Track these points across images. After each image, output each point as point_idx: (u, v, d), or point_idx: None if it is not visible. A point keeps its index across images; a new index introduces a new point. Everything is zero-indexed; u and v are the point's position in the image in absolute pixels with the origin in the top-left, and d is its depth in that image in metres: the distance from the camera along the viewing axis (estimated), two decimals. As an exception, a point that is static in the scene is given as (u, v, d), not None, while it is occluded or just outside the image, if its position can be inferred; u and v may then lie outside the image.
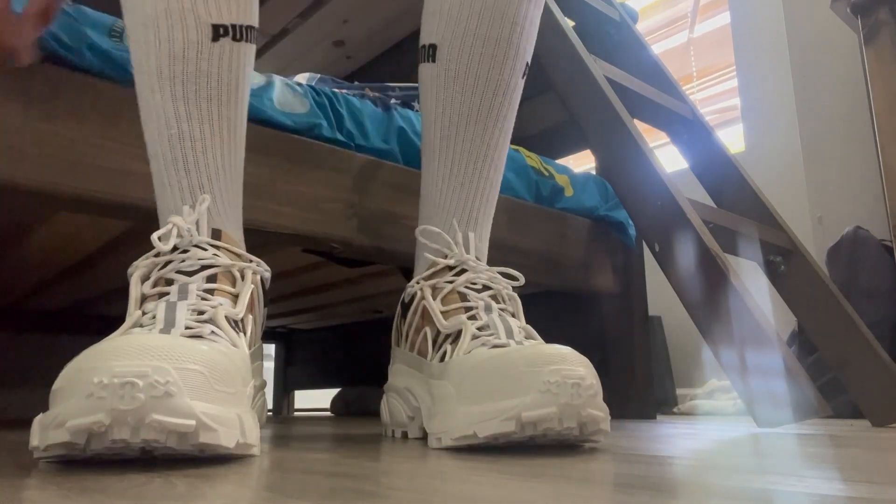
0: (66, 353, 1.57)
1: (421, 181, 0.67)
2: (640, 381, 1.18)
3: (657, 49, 2.38)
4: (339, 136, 0.87)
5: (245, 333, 0.48)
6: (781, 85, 2.04)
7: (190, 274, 0.48)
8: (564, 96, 1.02)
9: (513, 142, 1.30)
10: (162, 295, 0.47)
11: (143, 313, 0.45)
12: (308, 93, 0.87)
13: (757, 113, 2.08)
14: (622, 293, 1.22)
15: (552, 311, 1.32)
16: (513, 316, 0.57)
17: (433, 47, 0.62)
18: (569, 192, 1.16)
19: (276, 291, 1.31)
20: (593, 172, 1.28)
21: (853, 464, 0.38)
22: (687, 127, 1.16)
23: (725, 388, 1.74)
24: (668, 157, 2.16)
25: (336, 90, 0.92)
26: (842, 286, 1.39)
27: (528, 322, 0.85)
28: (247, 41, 0.56)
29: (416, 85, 1.20)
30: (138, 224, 0.82)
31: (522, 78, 0.64)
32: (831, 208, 1.88)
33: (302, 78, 1.16)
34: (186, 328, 0.43)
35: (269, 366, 2.17)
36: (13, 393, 1.50)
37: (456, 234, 0.62)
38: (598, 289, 1.18)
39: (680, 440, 0.59)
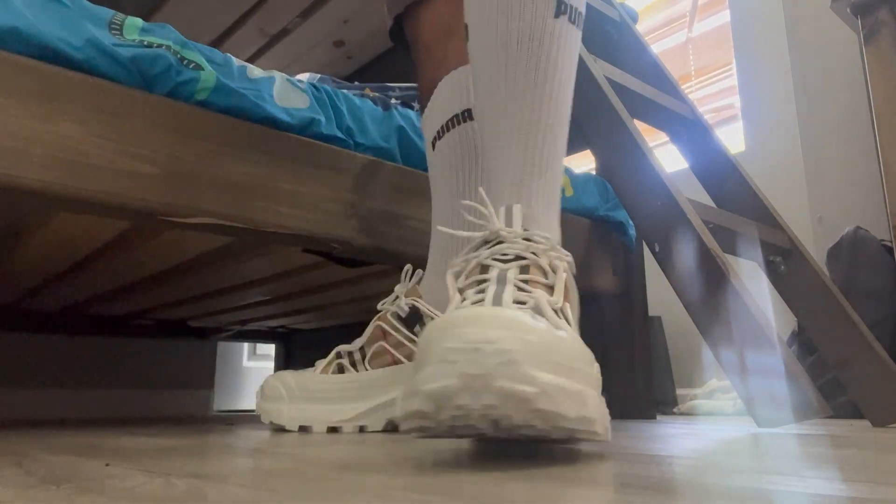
0: (66, 354, 1.57)
1: None
2: (640, 381, 1.18)
3: (656, 48, 2.38)
4: (339, 133, 0.87)
5: (568, 322, 0.46)
6: (781, 84, 2.04)
7: (504, 262, 0.48)
8: (564, 96, 1.02)
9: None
10: (480, 282, 0.47)
11: (464, 299, 0.45)
12: (308, 89, 0.87)
13: (757, 112, 2.08)
14: (622, 293, 1.22)
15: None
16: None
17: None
18: (569, 192, 1.16)
19: (276, 291, 1.31)
20: (593, 172, 1.28)
21: (853, 464, 0.38)
22: (687, 127, 1.16)
23: (725, 388, 1.74)
24: (668, 157, 2.16)
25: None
26: (842, 286, 1.39)
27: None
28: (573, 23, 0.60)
29: (416, 85, 1.20)
30: (138, 224, 0.82)
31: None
32: (831, 208, 1.87)
33: (302, 77, 1.16)
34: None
35: (269, 366, 2.17)
36: (13, 393, 1.50)
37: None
38: (598, 289, 1.18)
39: (680, 440, 0.59)
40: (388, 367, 0.74)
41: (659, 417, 1.31)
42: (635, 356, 1.19)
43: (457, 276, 0.50)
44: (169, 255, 0.99)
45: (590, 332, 1.25)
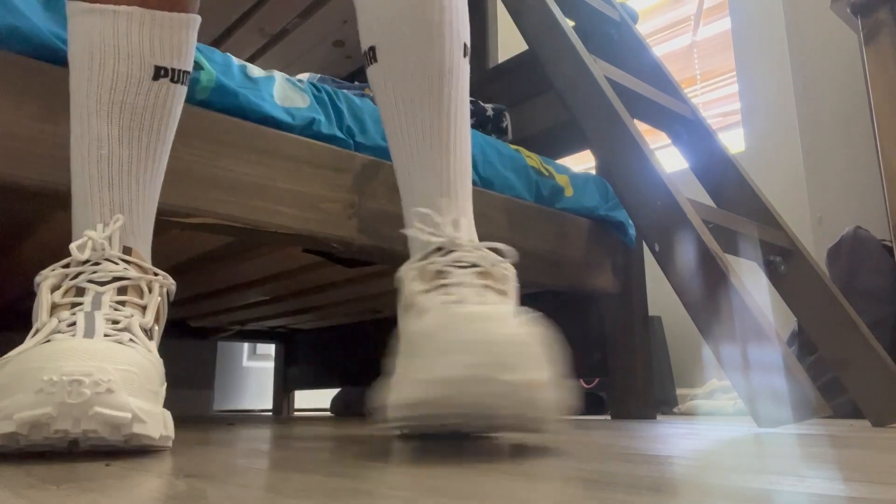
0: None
1: (395, 173, 0.68)
2: (640, 381, 1.18)
3: (660, 51, 2.38)
4: (339, 133, 0.87)
5: (154, 341, 0.53)
6: (782, 85, 2.04)
7: (101, 284, 0.53)
8: (564, 96, 1.02)
9: (513, 142, 1.30)
10: (74, 304, 0.50)
11: (59, 321, 0.48)
12: (308, 88, 0.87)
13: (757, 113, 2.08)
14: (622, 293, 1.22)
15: (552, 311, 1.31)
16: (503, 294, 0.54)
17: (372, 49, 0.65)
18: (569, 192, 1.16)
19: (276, 291, 1.31)
20: (593, 172, 1.28)
21: (853, 464, 0.38)
22: (687, 127, 1.16)
23: (725, 388, 1.74)
24: (668, 158, 2.16)
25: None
26: (842, 286, 1.39)
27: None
28: (182, 83, 0.64)
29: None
30: (138, 224, 0.82)
31: (465, 57, 0.67)
32: (831, 208, 1.87)
33: (302, 77, 1.16)
34: (105, 336, 0.47)
35: (268, 366, 2.17)
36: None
37: (444, 216, 0.61)
38: (598, 289, 1.18)
39: (680, 440, 0.59)
40: None
41: (659, 417, 1.31)
42: (635, 356, 1.19)
43: (52, 288, 0.53)
44: (169, 254, 0.99)
45: (590, 332, 1.26)
